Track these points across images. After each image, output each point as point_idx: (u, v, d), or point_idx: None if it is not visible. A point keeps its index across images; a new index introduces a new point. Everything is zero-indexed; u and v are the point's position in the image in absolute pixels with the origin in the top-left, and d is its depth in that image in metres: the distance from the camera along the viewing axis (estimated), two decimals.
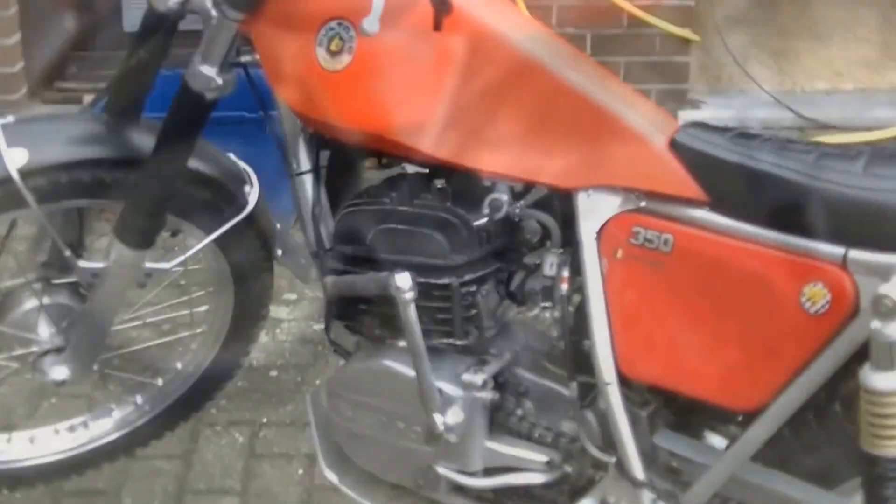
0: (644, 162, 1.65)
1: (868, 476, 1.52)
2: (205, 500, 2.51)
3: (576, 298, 1.73)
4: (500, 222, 1.76)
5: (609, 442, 1.74)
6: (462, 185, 1.79)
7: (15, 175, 1.93)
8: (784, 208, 1.57)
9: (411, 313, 1.71)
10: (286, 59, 1.78)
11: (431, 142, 1.69)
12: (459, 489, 1.87)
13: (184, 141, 1.93)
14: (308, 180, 1.93)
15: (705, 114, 4.44)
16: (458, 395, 1.78)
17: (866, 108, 4.52)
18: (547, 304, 1.77)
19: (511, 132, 1.68)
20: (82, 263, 2.07)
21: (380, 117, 1.70)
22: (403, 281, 1.70)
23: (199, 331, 2.37)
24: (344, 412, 1.89)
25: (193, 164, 2.02)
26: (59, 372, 2.19)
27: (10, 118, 2.00)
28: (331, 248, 1.86)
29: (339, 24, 1.71)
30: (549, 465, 1.80)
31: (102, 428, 2.40)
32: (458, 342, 1.78)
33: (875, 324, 1.46)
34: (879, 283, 1.49)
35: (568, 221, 1.73)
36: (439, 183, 1.81)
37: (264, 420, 2.74)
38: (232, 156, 2.18)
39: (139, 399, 2.41)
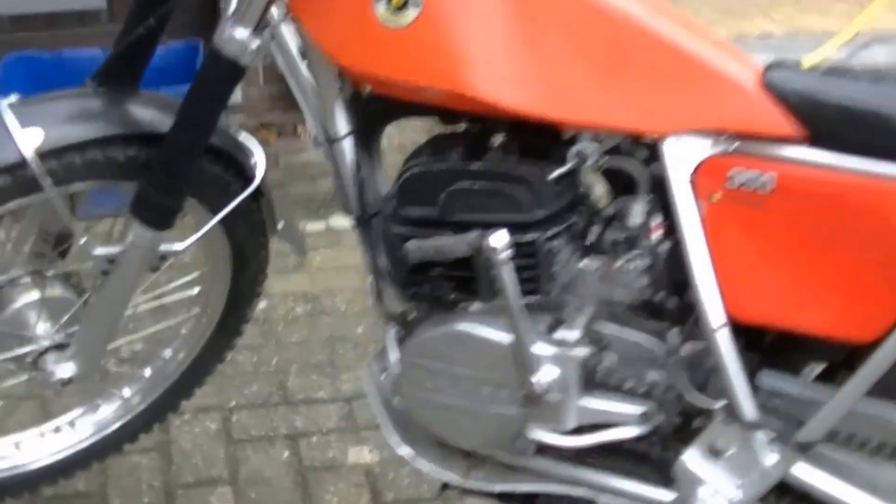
0: (736, 102, 1.65)
1: None
2: (197, 494, 2.40)
3: (663, 247, 1.72)
4: (575, 174, 1.73)
5: (711, 387, 1.74)
6: (526, 138, 1.74)
7: (33, 157, 1.78)
8: (888, 137, 1.59)
9: (507, 272, 1.67)
10: (336, 16, 1.69)
11: (516, 96, 1.64)
12: (543, 451, 1.83)
13: (211, 112, 1.81)
14: (348, 145, 1.85)
15: None
16: (552, 354, 1.75)
17: None
18: (632, 253, 1.74)
19: (597, 81, 1.65)
20: (99, 249, 1.92)
21: (457, 73, 1.64)
22: (499, 239, 1.65)
23: (191, 314, 2.25)
24: (422, 383, 1.83)
25: None
26: (64, 369, 2.07)
27: (12, 97, 1.85)
28: (392, 213, 1.77)
29: None
30: (644, 417, 1.79)
31: (90, 426, 2.26)
32: (544, 299, 1.74)
33: None
34: None
35: (653, 169, 1.71)
36: (498, 139, 1.76)
37: (233, 403, 2.65)
38: (233, 125, 2.08)
39: (126, 392, 2.29)
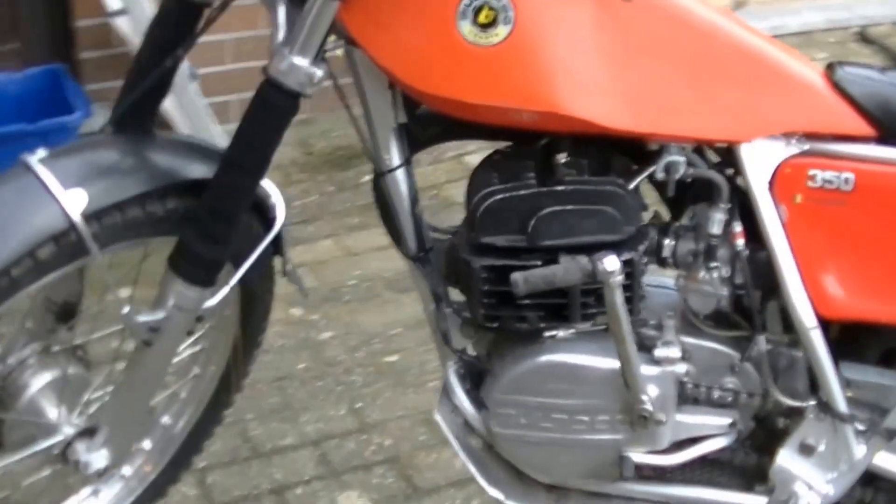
0: (810, 104, 1.75)
1: None
2: None
3: (744, 254, 1.79)
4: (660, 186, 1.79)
5: (791, 387, 1.83)
6: (591, 154, 1.78)
7: (80, 222, 1.67)
8: None
9: (619, 296, 1.70)
10: (413, 39, 1.66)
11: (610, 113, 1.67)
12: (642, 476, 1.87)
13: (267, 147, 1.73)
14: (402, 176, 1.83)
15: None
16: (657, 374, 1.79)
17: None
18: (712, 263, 1.80)
19: (685, 93, 1.71)
20: (143, 317, 1.81)
21: (552, 93, 1.64)
22: (613, 262, 1.68)
23: (190, 376, 2.16)
24: (515, 420, 1.83)
25: None
26: (99, 458, 1.94)
27: (40, 152, 1.72)
28: (472, 243, 1.76)
29: None
30: (732, 426, 1.86)
31: None
32: (636, 318, 1.78)
33: None
34: None
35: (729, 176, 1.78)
36: (562, 157, 1.78)
37: (202, 465, 2.55)
38: None
39: (126, 471, 2.16)
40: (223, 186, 1.75)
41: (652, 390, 1.79)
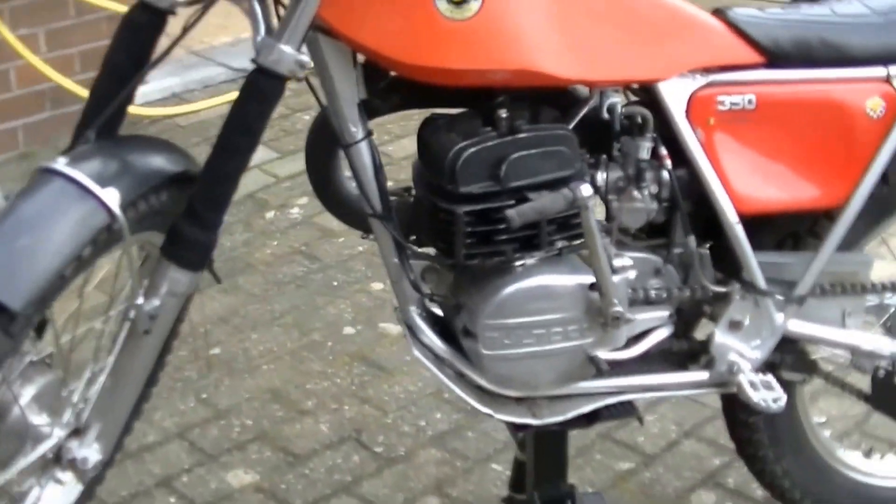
0: (712, 43, 2.16)
1: None
2: None
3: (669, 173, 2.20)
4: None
5: (727, 273, 2.26)
6: (536, 103, 2.12)
7: (120, 214, 1.86)
8: (836, 49, 2.20)
9: (591, 217, 2.07)
10: (393, 19, 1.94)
11: (567, 67, 2.03)
12: (603, 374, 2.24)
13: (257, 130, 1.95)
14: (365, 147, 2.11)
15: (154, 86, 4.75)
16: (619, 280, 2.17)
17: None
18: (642, 185, 2.20)
19: (616, 44, 2.07)
20: (147, 305, 2.00)
21: (521, 54, 1.98)
22: (587, 190, 2.04)
23: None
24: (499, 342, 2.16)
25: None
26: (93, 453, 2.09)
27: (60, 160, 1.88)
28: (451, 194, 2.07)
29: None
30: (671, 317, 2.27)
31: None
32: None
33: None
34: None
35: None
36: (502, 113, 2.12)
37: None
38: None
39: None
40: (216, 169, 1.96)
41: (620, 293, 2.17)
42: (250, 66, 1.93)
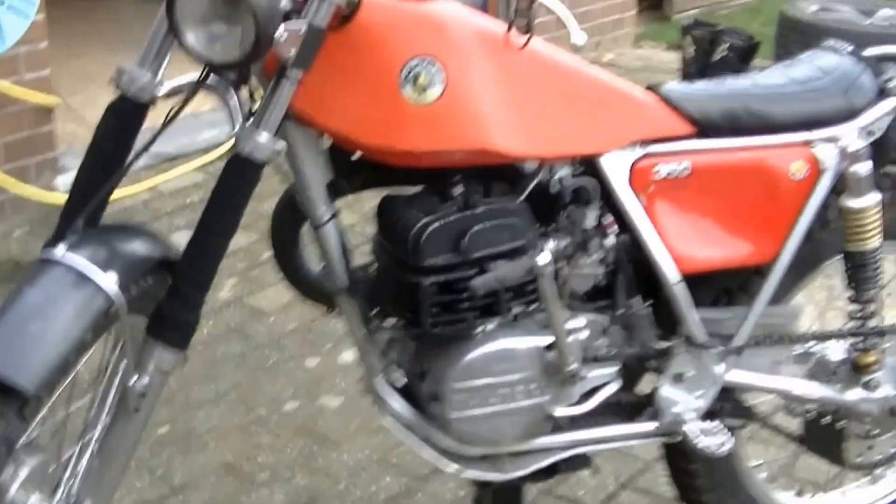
0: (648, 118, 2.39)
1: (852, 264, 2.52)
2: None
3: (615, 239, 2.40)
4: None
5: (669, 330, 2.47)
6: (488, 179, 2.31)
7: (118, 296, 1.98)
8: (761, 118, 2.44)
9: (549, 283, 2.27)
10: (363, 106, 2.12)
11: (520, 145, 2.23)
12: (562, 428, 2.43)
13: (237, 215, 2.09)
14: (332, 227, 2.29)
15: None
16: (572, 340, 2.37)
17: (195, 133, 5.29)
18: (590, 251, 2.40)
19: (563, 122, 2.28)
20: (138, 384, 2.12)
21: (480, 134, 2.17)
22: (545, 258, 2.24)
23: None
24: (467, 403, 2.32)
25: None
26: None
27: (60, 247, 1.99)
28: (415, 267, 2.24)
29: (421, 61, 2.12)
30: (619, 373, 2.47)
31: None
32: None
33: (853, 169, 2.42)
34: (830, 149, 2.45)
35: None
36: (457, 190, 2.32)
37: None
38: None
39: None
40: (198, 251, 2.10)
41: (574, 354, 2.36)
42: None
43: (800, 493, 2.94)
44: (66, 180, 4.82)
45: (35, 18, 4.38)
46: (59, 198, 4.59)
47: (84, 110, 5.20)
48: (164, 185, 5.03)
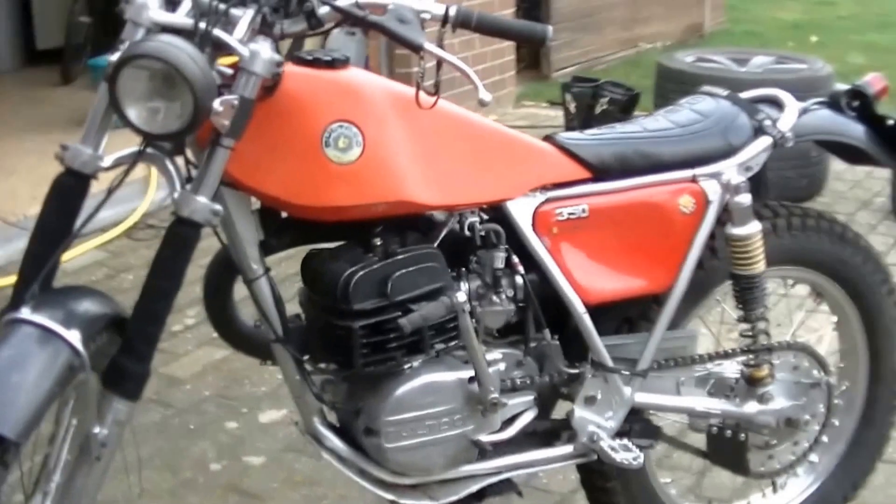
0: (548, 166, 2.70)
1: (739, 287, 2.85)
2: None
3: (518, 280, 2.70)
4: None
5: (579, 357, 2.78)
6: (404, 229, 2.60)
7: (84, 352, 2.23)
8: (649, 159, 2.77)
9: (468, 319, 2.56)
10: (289, 168, 2.39)
11: (433, 196, 2.52)
12: (486, 453, 2.72)
13: (181, 273, 2.34)
14: (264, 281, 2.54)
15: None
16: (493, 371, 2.66)
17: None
18: (500, 290, 2.70)
19: (469, 174, 2.58)
20: (100, 434, 2.36)
21: (398, 188, 2.45)
22: (462, 297, 2.54)
23: None
24: (399, 434, 2.58)
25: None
26: None
27: (24, 310, 2.24)
28: (345, 313, 2.52)
29: (340, 126, 2.40)
30: (536, 401, 2.76)
31: None
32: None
33: (735, 200, 2.77)
34: (714, 183, 2.80)
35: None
36: (378, 241, 2.60)
37: None
38: None
39: None
40: (146, 309, 2.35)
41: (494, 383, 2.65)
42: None
43: None
44: None
45: None
46: None
47: None
48: (69, 265, 5.23)
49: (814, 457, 3.26)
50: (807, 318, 3.37)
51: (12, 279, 4.79)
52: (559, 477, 3.64)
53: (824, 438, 3.23)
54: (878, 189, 6.53)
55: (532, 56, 9.53)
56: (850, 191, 6.61)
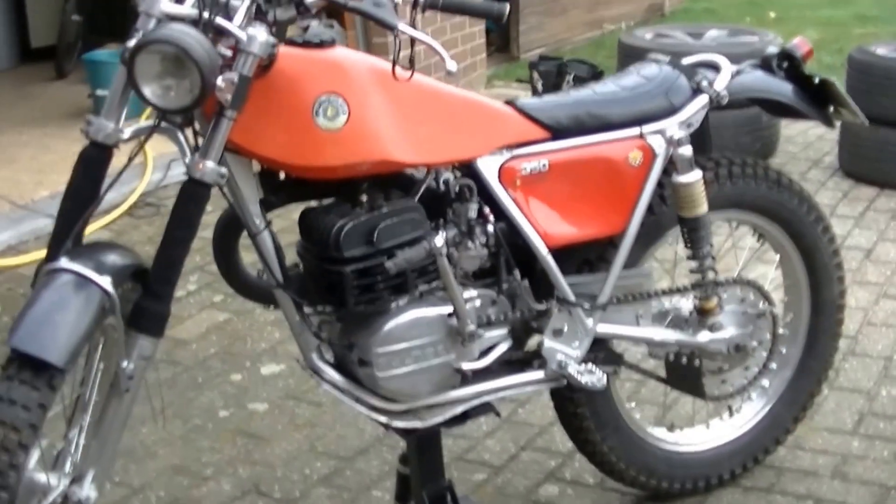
0: (510, 127, 3.01)
1: (687, 228, 3.17)
2: None
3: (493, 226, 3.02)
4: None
5: (546, 295, 3.09)
6: (385, 183, 2.91)
7: (115, 295, 2.52)
8: (601, 119, 3.09)
9: (445, 261, 2.85)
10: (283, 134, 2.69)
11: (411, 154, 2.81)
12: (468, 380, 3.03)
13: (194, 228, 2.64)
14: (267, 235, 2.83)
15: None
16: (471, 308, 2.96)
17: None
18: (475, 237, 3.00)
19: (443, 135, 2.88)
20: (127, 369, 2.66)
21: (379, 148, 2.75)
22: (440, 241, 2.83)
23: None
24: (389, 364, 2.87)
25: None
26: (92, 492, 2.68)
27: (63, 260, 2.52)
28: (337, 259, 2.82)
29: (329, 97, 2.69)
30: (510, 333, 3.08)
31: None
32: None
33: (678, 152, 3.09)
34: (659, 138, 3.12)
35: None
36: (364, 197, 2.92)
37: None
38: None
39: None
40: (167, 257, 2.65)
41: (471, 318, 2.97)
42: None
43: (671, 429, 3.56)
44: None
45: None
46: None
47: None
48: None
49: (765, 382, 3.58)
50: (752, 258, 3.68)
51: (27, 257, 5.20)
52: (538, 412, 3.96)
53: (773, 365, 3.55)
54: (828, 149, 6.84)
55: (502, 39, 9.82)
56: (801, 152, 6.93)
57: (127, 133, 2.69)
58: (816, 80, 3.38)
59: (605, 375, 3.06)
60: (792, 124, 6.93)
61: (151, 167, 6.28)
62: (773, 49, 3.43)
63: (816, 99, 3.42)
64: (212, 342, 4.70)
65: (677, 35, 6.96)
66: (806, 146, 7.01)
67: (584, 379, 3.04)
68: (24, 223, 5.59)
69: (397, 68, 2.72)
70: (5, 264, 5.32)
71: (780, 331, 3.52)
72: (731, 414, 3.63)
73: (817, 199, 5.70)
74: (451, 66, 2.67)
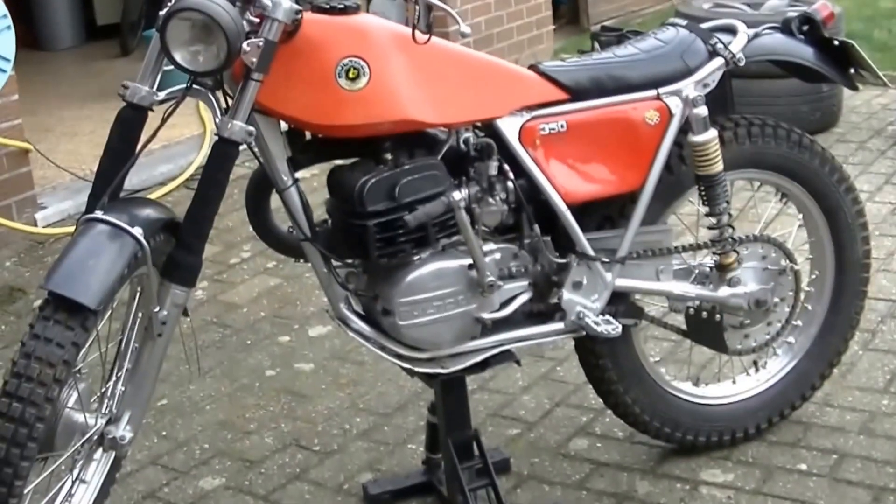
0: (531, 89, 3.25)
1: (704, 186, 3.41)
2: None
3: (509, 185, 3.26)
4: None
5: (567, 250, 3.34)
6: (409, 143, 3.16)
7: (147, 245, 2.80)
8: (619, 81, 3.33)
9: (464, 214, 3.11)
10: (308, 95, 2.95)
11: (432, 114, 3.07)
12: (488, 329, 3.29)
13: (223, 185, 2.93)
14: (294, 191, 3.10)
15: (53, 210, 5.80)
16: (490, 260, 3.22)
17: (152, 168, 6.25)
18: (495, 193, 3.26)
19: (465, 96, 3.13)
20: (160, 315, 2.95)
21: (400, 108, 3.00)
22: (459, 195, 3.10)
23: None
24: (411, 313, 3.12)
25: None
26: (128, 432, 2.97)
27: (98, 213, 2.82)
28: (361, 213, 3.08)
29: (351, 60, 2.95)
30: (530, 286, 3.33)
31: None
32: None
33: (694, 112, 3.32)
34: (675, 99, 3.35)
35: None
36: (388, 155, 3.18)
37: None
38: None
39: None
40: (198, 211, 2.93)
41: (491, 270, 3.22)
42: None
43: (697, 383, 3.80)
44: (45, 215, 5.69)
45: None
46: (43, 231, 5.46)
47: (52, 156, 6.08)
48: None
49: (791, 338, 3.80)
50: (776, 217, 3.90)
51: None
52: (574, 370, 4.18)
53: (798, 322, 3.78)
54: (892, 119, 6.98)
55: (572, 12, 10.04)
56: (864, 122, 7.07)
57: (161, 95, 2.98)
58: (836, 43, 3.57)
59: (620, 326, 3.29)
60: (856, 95, 7.06)
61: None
62: (792, 13, 3.63)
63: (838, 62, 3.61)
64: (262, 306, 5.00)
65: (736, 5, 7.12)
66: (869, 116, 7.15)
67: (601, 328, 3.28)
68: (84, 194, 5.85)
69: (417, 32, 2.97)
70: (68, 232, 5.65)
71: (805, 287, 3.73)
72: (756, 369, 3.84)
73: (875, 167, 6.08)
74: (465, 29, 2.93)
